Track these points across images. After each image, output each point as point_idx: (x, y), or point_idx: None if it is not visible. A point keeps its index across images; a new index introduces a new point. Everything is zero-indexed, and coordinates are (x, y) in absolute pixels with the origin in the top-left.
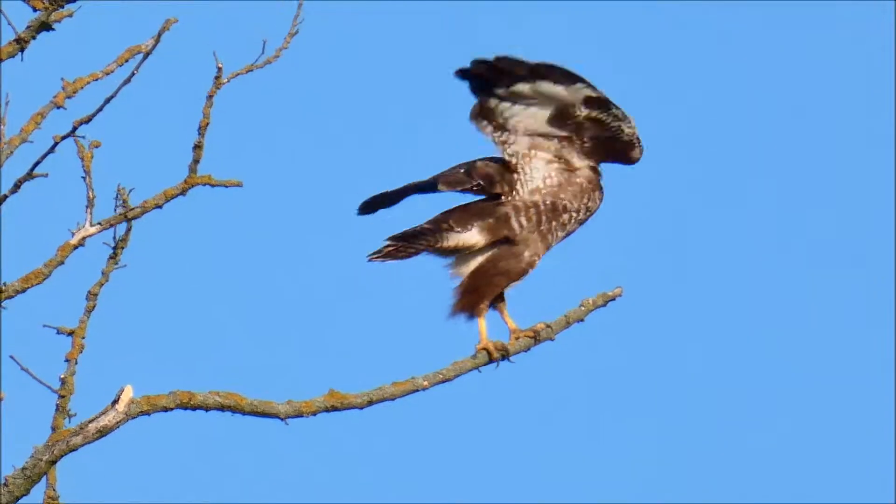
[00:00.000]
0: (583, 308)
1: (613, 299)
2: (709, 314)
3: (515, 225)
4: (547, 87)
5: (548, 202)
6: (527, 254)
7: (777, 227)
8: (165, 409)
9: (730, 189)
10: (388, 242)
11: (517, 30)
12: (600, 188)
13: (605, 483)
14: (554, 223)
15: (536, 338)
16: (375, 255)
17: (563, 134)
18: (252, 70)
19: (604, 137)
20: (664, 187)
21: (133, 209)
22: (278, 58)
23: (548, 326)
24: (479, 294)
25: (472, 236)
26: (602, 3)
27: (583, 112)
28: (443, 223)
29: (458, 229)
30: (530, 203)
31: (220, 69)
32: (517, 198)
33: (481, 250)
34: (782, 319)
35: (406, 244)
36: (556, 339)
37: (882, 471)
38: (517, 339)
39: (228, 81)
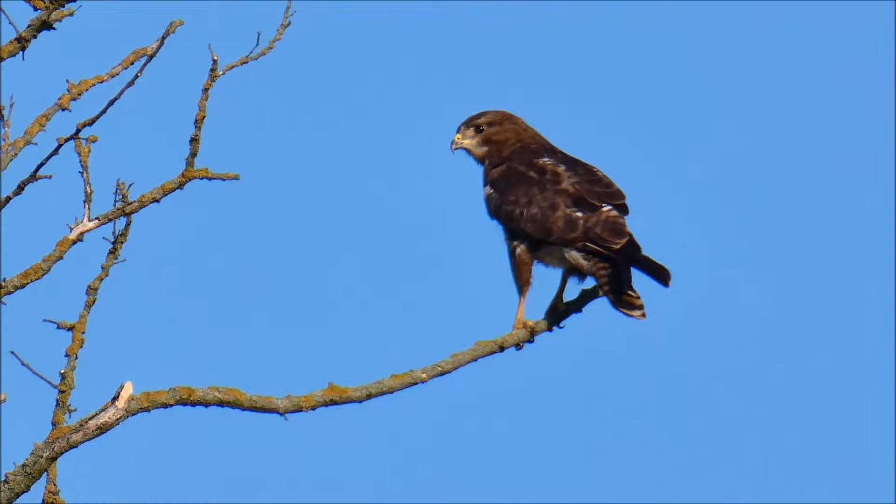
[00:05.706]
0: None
1: None
2: (709, 305)
3: None
4: None
5: None
6: None
7: (776, 226)
8: (165, 406)
9: (729, 187)
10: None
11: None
12: None
13: (603, 477)
14: None
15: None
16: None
17: None
18: (247, 62)
19: None
20: (663, 183)
21: (130, 203)
22: (272, 49)
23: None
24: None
25: None
26: (593, 4)
27: None
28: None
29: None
30: None
31: (215, 61)
32: None
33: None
34: (781, 318)
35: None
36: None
37: (882, 471)
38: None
39: (224, 74)
